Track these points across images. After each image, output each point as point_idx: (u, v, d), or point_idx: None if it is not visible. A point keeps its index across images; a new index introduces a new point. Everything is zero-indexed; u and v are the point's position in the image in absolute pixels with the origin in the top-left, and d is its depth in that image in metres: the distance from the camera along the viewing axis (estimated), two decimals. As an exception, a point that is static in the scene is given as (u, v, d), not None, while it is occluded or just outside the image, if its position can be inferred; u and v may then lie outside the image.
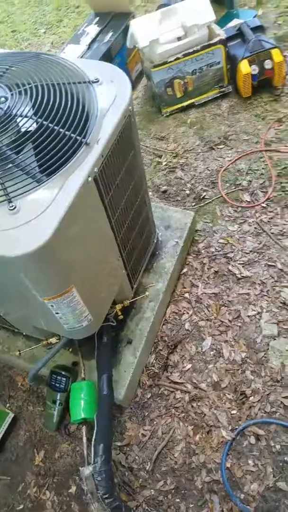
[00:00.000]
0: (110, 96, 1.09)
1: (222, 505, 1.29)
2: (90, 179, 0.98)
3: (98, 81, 1.11)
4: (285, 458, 1.31)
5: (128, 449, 1.45)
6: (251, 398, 1.45)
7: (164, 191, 2.07)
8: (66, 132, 0.97)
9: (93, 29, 2.56)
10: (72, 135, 0.97)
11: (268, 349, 1.54)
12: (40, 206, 0.91)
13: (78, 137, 0.98)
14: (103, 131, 1.03)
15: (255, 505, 1.26)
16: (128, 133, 1.15)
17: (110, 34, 2.49)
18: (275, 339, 1.55)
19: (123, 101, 1.09)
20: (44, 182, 0.93)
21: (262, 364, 1.51)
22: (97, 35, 2.52)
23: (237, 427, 1.40)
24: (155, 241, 1.68)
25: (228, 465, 1.34)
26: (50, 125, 0.98)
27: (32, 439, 1.56)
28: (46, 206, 0.91)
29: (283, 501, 1.25)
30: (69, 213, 0.91)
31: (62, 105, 1.01)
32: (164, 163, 2.19)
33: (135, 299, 1.54)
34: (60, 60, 1.16)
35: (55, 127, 0.97)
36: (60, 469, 1.48)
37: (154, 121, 2.43)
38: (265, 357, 1.52)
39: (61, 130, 0.97)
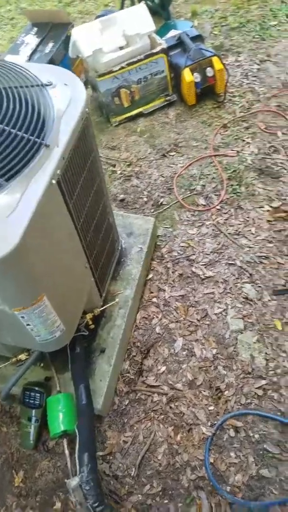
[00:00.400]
0: (66, 99, 1.08)
1: (210, 499, 1.32)
2: (53, 181, 0.96)
3: (51, 84, 1.10)
4: (265, 446, 1.37)
5: (111, 457, 1.45)
6: (226, 392, 1.50)
7: (122, 200, 2.09)
8: (24, 135, 0.95)
9: (32, 40, 2.54)
10: (30, 137, 0.95)
11: (236, 343, 1.60)
12: (3, 212, 0.87)
13: (36, 139, 0.96)
14: (62, 133, 1.02)
15: (242, 495, 1.30)
16: (87, 135, 1.15)
17: (50, 44, 2.49)
18: (242, 333, 1.62)
19: (79, 103, 1.08)
20: (4, 186, 0.90)
21: (233, 358, 1.57)
22: (37, 46, 2.51)
23: (216, 422, 1.45)
24: (120, 248, 1.70)
25: (211, 460, 1.38)
26: (5, 128, 0.95)
27: (9, 461, 1.51)
28: (10, 212, 0.87)
29: (268, 487, 1.30)
30: (34, 218, 0.88)
31: (17, 108, 0.98)
32: (119, 172, 2.21)
33: (105, 306, 1.55)
34: (10, 65, 1.13)
35: (12, 130, 0.95)
36: (42, 487, 1.45)
37: (104, 131, 2.45)
38: (234, 351, 1.59)
39: (18, 132, 0.95)
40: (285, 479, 1.30)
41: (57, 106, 1.05)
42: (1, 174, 0.91)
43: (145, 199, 2.08)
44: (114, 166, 2.25)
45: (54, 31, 2.61)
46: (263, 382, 1.50)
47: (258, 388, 1.49)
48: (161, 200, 2.06)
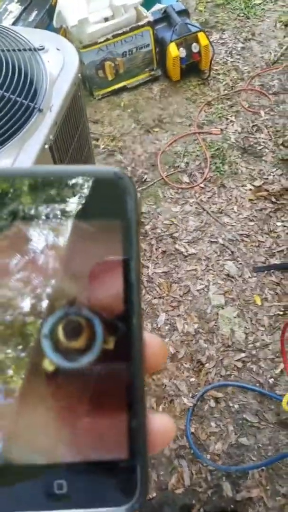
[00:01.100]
0: (58, 63, 1.09)
1: (191, 467, 1.37)
2: (46, 146, 0.96)
3: (43, 49, 1.10)
4: (244, 416, 1.43)
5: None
6: (206, 365, 1.54)
7: (106, 174, 2.07)
8: (17, 98, 0.95)
9: (15, 8, 2.44)
10: (23, 101, 0.96)
11: (217, 318, 1.64)
12: None
13: (30, 103, 0.96)
14: (55, 98, 1.02)
15: (221, 462, 1.36)
16: (78, 101, 1.16)
17: (34, 13, 2.40)
18: (223, 308, 1.67)
19: (71, 68, 1.09)
20: None
21: (214, 332, 1.61)
22: (21, 14, 2.42)
23: (197, 393, 1.49)
24: (104, 223, 1.69)
25: (192, 430, 1.43)
26: None
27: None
28: None
29: (246, 454, 1.36)
30: None
31: (10, 71, 0.98)
32: (102, 147, 2.19)
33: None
34: (1, 28, 1.12)
35: (5, 93, 0.94)
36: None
37: (87, 104, 2.40)
38: (215, 325, 1.63)
39: (11, 96, 0.95)
40: (263, 446, 1.37)
41: (49, 70, 1.04)
42: None
43: (129, 175, 2.07)
44: (97, 140, 2.22)
45: (37, -1, 2.52)
46: (243, 355, 1.55)
47: (238, 360, 1.54)
48: (145, 176, 2.06)
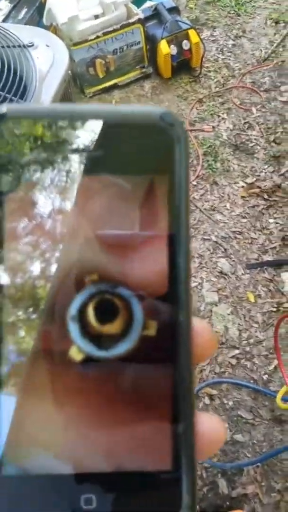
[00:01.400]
0: (48, 60, 1.10)
1: (185, 464, 1.37)
2: None
3: (33, 45, 1.10)
4: (238, 412, 1.43)
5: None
6: (201, 362, 1.54)
7: (97, 172, 2.07)
8: (7, 95, 0.97)
9: (4, 5, 2.42)
10: (13, 98, 0.97)
11: (211, 315, 1.64)
12: None
13: (20, 100, 0.97)
14: (44, 94, 1.03)
15: (216, 459, 1.36)
16: (68, 97, 1.16)
17: (24, 10, 2.38)
18: (216, 305, 1.66)
19: (61, 65, 1.10)
20: None
21: (208, 331, 1.61)
22: (10, 12, 2.40)
23: (191, 391, 1.49)
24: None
25: (187, 427, 1.43)
26: None
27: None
28: None
29: (241, 451, 1.36)
30: None
31: None
32: (93, 144, 2.18)
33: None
34: None
35: None
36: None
37: (78, 102, 2.39)
38: (209, 322, 1.62)
39: (0, 93, 0.95)
40: (258, 443, 1.37)
41: (39, 67, 1.03)
42: None
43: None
44: (88, 138, 2.21)
45: (27, -4, 2.50)
46: (237, 351, 1.55)
47: (232, 357, 1.54)
48: (137, 174, 2.05)
